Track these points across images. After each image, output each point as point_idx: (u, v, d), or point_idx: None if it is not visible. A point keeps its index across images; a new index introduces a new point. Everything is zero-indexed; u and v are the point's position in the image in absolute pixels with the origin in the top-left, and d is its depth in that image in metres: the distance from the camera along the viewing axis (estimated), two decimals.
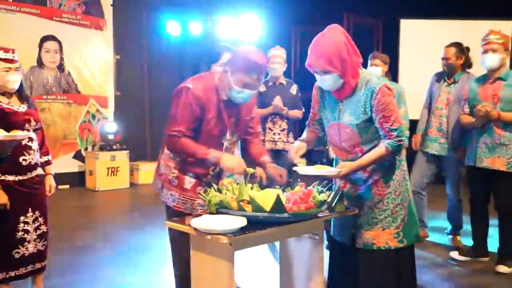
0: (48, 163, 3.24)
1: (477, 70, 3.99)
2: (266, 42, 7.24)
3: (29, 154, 2.97)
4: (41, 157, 3.15)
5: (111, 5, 8.29)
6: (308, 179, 2.44)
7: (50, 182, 3.23)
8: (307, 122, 2.85)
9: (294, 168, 2.49)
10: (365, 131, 2.49)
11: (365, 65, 2.74)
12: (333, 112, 2.58)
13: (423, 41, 4.63)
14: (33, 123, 3.01)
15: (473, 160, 3.95)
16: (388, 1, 8.69)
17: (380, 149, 2.44)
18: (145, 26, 8.52)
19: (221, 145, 2.69)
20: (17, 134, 2.68)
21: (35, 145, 3.03)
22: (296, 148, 2.63)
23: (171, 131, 2.58)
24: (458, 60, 4.35)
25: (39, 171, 3.11)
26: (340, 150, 2.63)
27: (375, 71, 4.65)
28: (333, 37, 2.40)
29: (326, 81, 2.46)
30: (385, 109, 2.41)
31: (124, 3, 8.37)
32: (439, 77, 4.52)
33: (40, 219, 3.07)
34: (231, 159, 2.58)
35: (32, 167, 3.01)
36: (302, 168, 2.47)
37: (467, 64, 4.40)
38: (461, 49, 4.36)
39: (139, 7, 8.47)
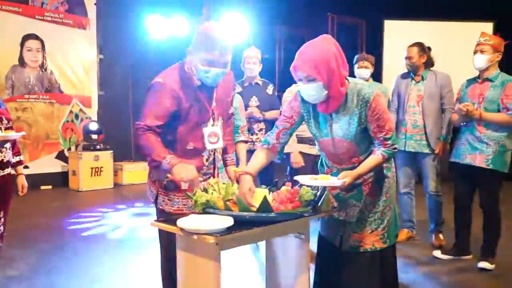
0: (20, 163, 3.25)
1: (464, 69, 4.08)
2: (250, 42, 7.24)
3: (1, 152, 2.96)
4: (13, 157, 3.14)
5: (95, 3, 8.24)
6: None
7: (22, 182, 3.24)
8: (275, 133, 2.55)
9: (296, 178, 2.42)
10: (362, 141, 2.47)
11: (350, 66, 2.70)
12: (323, 128, 2.51)
13: (407, 41, 4.69)
14: (4, 121, 3.00)
15: (457, 156, 4.05)
16: (372, 2, 8.76)
17: (377, 157, 2.43)
18: (129, 25, 8.46)
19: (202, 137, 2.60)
20: (11, 134, 2.67)
21: (7, 143, 3.02)
22: (249, 187, 2.34)
23: (137, 124, 2.50)
24: (420, 59, 4.48)
25: (10, 169, 3.11)
26: (335, 161, 2.59)
27: (364, 73, 4.76)
28: (323, 45, 2.34)
29: (309, 91, 2.36)
30: (379, 119, 2.39)
31: (108, 2, 8.31)
32: (405, 77, 4.63)
33: (3, 219, 3.05)
34: (184, 168, 2.41)
35: (4, 165, 3.00)
36: (305, 179, 2.40)
37: (430, 62, 4.55)
38: (423, 48, 4.51)
39: (123, 6, 8.41)
